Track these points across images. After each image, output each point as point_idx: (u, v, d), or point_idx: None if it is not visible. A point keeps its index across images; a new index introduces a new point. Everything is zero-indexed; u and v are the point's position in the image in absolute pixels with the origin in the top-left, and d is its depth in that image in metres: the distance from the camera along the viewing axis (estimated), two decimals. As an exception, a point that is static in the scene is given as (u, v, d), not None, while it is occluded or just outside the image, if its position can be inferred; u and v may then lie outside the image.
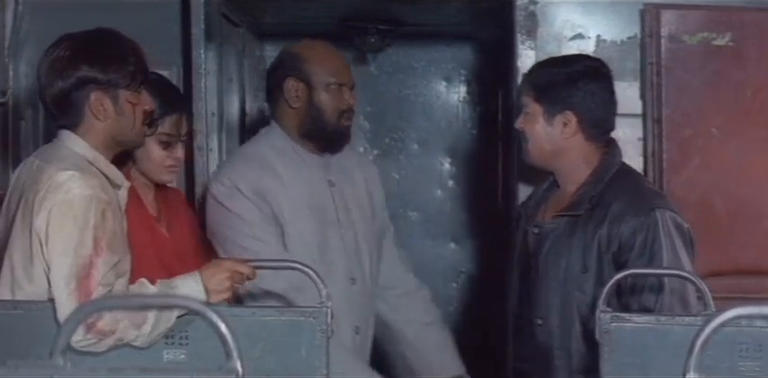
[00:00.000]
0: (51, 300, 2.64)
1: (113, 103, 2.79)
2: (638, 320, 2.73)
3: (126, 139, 2.86)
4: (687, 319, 2.71)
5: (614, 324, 2.71)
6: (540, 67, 3.46)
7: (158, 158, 3.15)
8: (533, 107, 3.33)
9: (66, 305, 2.59)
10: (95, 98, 2.77)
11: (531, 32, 3.93)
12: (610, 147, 3.37)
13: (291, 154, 3.51)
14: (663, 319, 2.73)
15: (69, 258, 2.61)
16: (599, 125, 3.34)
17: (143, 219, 3.11)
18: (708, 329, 1.72)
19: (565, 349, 3.19)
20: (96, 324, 2.57)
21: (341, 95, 3.50)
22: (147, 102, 2.87)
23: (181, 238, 3.22)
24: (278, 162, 3.48)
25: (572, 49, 3.92)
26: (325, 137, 3.52)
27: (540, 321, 3.25)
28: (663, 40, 3.82)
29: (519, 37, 3.93)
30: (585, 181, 3.30)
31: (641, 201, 3.21)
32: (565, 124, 3.30)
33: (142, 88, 2.84)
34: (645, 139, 3.84)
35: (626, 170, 3.40)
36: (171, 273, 2.96)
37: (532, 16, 3.94)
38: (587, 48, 3.93)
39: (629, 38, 3.93)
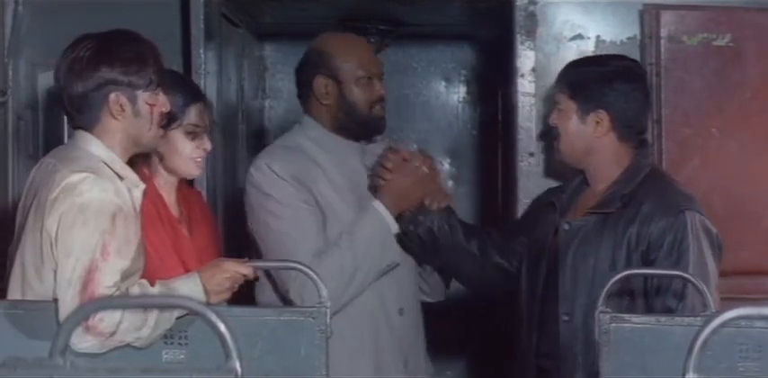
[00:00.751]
0: (56, 299, 2.65)
1: (131, 104, 2.80)
2: (638, 321, 2.74)
3: (142, 141, 2.86)
4: (686, 319, 2.71)
5: (614, 324, 2.71)
6: (577, 65, 3.49)
7: (187, 150, 3.14)
8: (567, 104, 3.36)
9: (68, 307, 2.59)
10: (114, 99, 2.78)
11: (531, 33, 3.93)
12: (642, 148, 3.40)
13: (328, 142, 3.52)
14: (662, 319, 2.74)
15: (75, 261, 2.62)
16: (631, 125, 3.37)
17: (165, 220, 3.11)
18: (707, 330, 1.72)
19: (589, 346, 3.17)
20: (97, 326, 2.58)
21: (371, 87, 3.51)
22: (164, 103, 2.86)
23: (201, 238, 3.22)
24: (316, 150, 3.49)
25: (571, 49, 3.92)
26: (359, 128, 3.54)
27: (565, 317, 3.26)
28: (662, 41, 3.82)
29: (518, 37, 3.93)
30: (617, 180, 3.32)
31: (672, 202, 3.23)
32: (597, 123, 3.32)
33: (159, 90, 2.85)
34: (645, 140, 3.84)
35: (658, 172, 3.44)
36: (188, 270, 2.99)
37: (532, 16, 3.94)
38: (587, 48, 3.93)
39: (628, 38, 3.93)
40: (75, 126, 2.85)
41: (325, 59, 3.50)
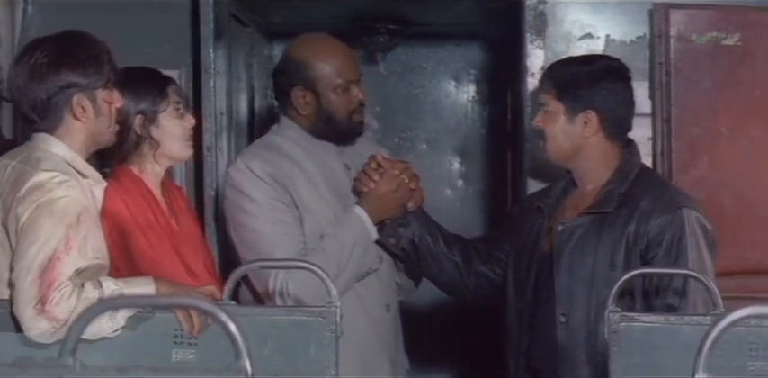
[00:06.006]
0: (11, 285, 2.65)
1: (92, 104, 2.85)
2: (647, 320, 2.73)
3: (102, 139, 2.92)
4: (696, 318, 2.71)
5: (623, 324, 2.71)
6: (562, 65, 3.45)
7: (179, 129, 3.21)
8: (554, 105, 3.33)
9: (25, 292, 2.60)
10: (76, 101, 2.83)
11: (541, 32, 3.94)
12: (629, 147, 3.39)
13: (307, 142, 3.51)
14: (672, 318, 2.73)
15: (38, 249, 2.64)
16: (619, 125, 3.35)
17: (160, 217, 3.16)
18: (717, 329, 1.72)
19: (589, 346, 3.16)
20: (52, 311, 2.59)
21: (349, 94, 3.48)
22: (118, 99, 2.92)
23: (187, 228, 3.27)
24: (294, 149, 3.48)
25: (581, 48, 3.92)
26: (338, 135, 3.52)
27: (563, 318, 3.23)
28: (672, 40, 3.82)
29: (528, 37, 3.93)
30: (610, 179, 3.30)
31: (670, 199, 3.22)
32: (586, 123, 3.30)
33: (113, 87, 2.90)
34: (654, 139, 3.84)
35: (649, 170, 3.45)
36: (187, 264, 3.08)
37: (542, 16, 3.94)
38: (596, 47, 3.93)
39: (638, 37, 3.93)
40: (36, 129, 2.87)
41: (302, 71, 3.45)
